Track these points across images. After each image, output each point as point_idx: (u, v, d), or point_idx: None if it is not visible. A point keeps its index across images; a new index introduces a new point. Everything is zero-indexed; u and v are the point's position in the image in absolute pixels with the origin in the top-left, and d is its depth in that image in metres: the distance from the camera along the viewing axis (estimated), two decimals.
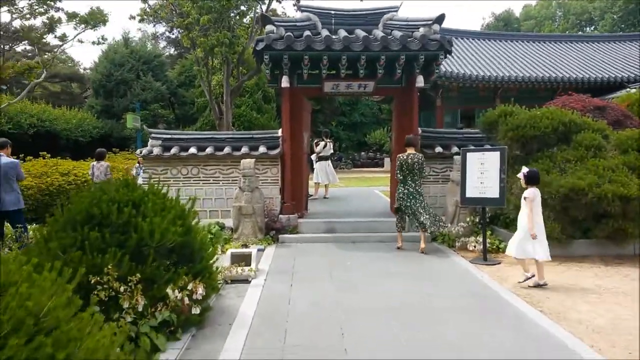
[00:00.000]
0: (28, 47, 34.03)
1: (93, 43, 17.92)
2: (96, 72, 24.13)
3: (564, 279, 6.44)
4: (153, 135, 9.63)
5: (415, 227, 8.37)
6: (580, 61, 24.81)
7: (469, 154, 7.65)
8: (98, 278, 3.95)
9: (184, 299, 4.14)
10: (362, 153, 36.67)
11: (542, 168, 7.74)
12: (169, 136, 9.68)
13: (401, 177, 8.00)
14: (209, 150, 9.39)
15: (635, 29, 40.00)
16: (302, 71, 9.02)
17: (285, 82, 8.97)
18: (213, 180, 9.56)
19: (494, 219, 8.68)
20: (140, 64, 23.43)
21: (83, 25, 14.97)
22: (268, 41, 8.48)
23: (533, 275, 6.14)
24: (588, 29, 45.47)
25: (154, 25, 29.39)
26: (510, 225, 8.28)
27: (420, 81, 9.00)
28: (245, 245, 8.32)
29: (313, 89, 9.69)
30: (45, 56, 34.86)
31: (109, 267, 4.05)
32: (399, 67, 8.93)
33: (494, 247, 7.89)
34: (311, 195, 12.77)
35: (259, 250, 8.02)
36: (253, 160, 8.74)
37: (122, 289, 3.96)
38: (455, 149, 9.46)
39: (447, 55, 8.95)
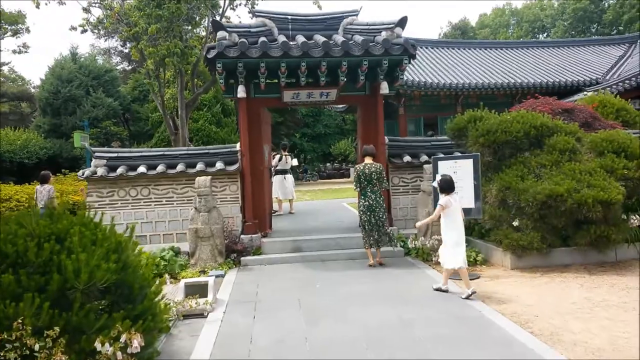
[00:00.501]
0: None
1: (14, 52, 16.59)
2: (42, 90, 22.72)
3: (548, 292, 5.99)
4: (97, 154, 8.75)
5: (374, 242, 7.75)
6: (537, 66, 25.22)
7: (440, 163, 7.18)
8: (5, 335, 3.16)
9: (117, 354, 3.39)
10: (328, 164, 36.28)
11: (516, 174, 7.37)
12: (114, 154, 8.82)
13: (359, 189, 7.58)
14: (160, 168, 8.59)
15: (585, 34, 41.43)
16: (259, 80, 8.39)
17: (241, 93, 8.31)
18: (166, 200, 8.76)
19: (469, 230, 8.21)
20: (89, 80, 22.18)
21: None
22: (220, 48, 7.82)
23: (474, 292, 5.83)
24: (541, 36, 46.87)
25: (105, 40, 28.22)
26: (486, 235, 7.86)
27: (384, 88, 8.53)
28: (204, 272, 7.57)
29: (272, 99, 9.07)
30: None
31: (22, 318, 3.27)
32: (361, 74, 8.43)
33: (471, 259, 7.41)
34: (276, 212, 12.08)
35: (218, 276, 7.28)
36: (209, 177, 8.01)
37: (37, 346, 3.19)
38: (424, 158, 9.02)
39: (412, 60, 8.52)
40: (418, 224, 6.32)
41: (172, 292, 6.24)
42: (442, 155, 8.26)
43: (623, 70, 23.97)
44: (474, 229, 8.18)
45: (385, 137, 8.98)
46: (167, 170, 8.63)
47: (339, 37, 8.39)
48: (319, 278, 7.04)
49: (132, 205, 8.71)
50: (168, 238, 8.74)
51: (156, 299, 4.29)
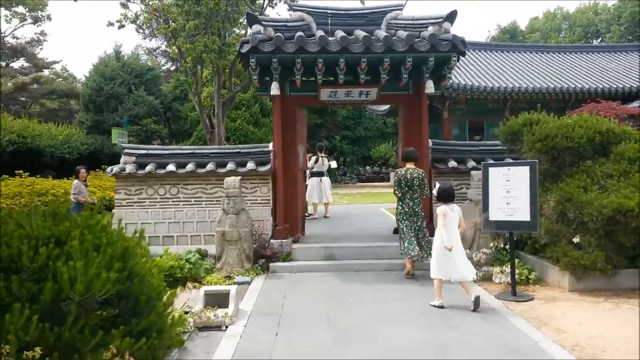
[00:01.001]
0: (25, 64, 33.41)
1: (32, 41, 16.30)
2: (86, 87, 23.13)
3: (615, 321, 5.18)
4: (126, 150, 8.49)
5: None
6: (592, 71, 23.90)
7: (491, 169, 6.45)
8: None
9: None
10: (367, 167, 35.62)
11: (579, 185, 6.55)
12: (144, 151, 8.54)
13: (399, 194, 7.17)
14: (189, 167, 8.23)
15: None
16: (294, 77, 7.90)
17: (275, 89, 7.84)
18: (195, 200, 8.39)
19: (520, 244, 7.45)
20: (132, 78, 22.39)
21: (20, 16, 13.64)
22: (254, 42, 7.38)
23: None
24: (595, 41, 44.56)
25: (150, 40, 28.59)
26: (540, 251, 7.06)
27: (430, 87, 7.86)
28: (229, 277, 7.13)
29: (308, 97, 8.57)
30: (42, 72, 34.27)
31: (6, 332, 2.86)
32: (405, 72, 7.80)
33: (523, 277, 6.66)
34: (310, 215, 11.58)
35: (243, 283, 6.84)
36: (238, 178, 7.58)
37: None
38: (472, 163, 8.28)
39: (461, 57, 7.81)
40: (446, 242, 5.61)
41: (193, 299, 5.83)
42: (492, 162, 7.52)
43: None
44: (526, 242, 7.39)
45: (429, 141, 8.30)
46: (196, 169, 8.26)
47: (381, 32, 7.79)
48: (351, 290, 6.47)
49: (160, 204, 8.39)
50: (195, 240, 8.36)
51: (166, 312, 3.83)
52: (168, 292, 3.98)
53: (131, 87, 22.06)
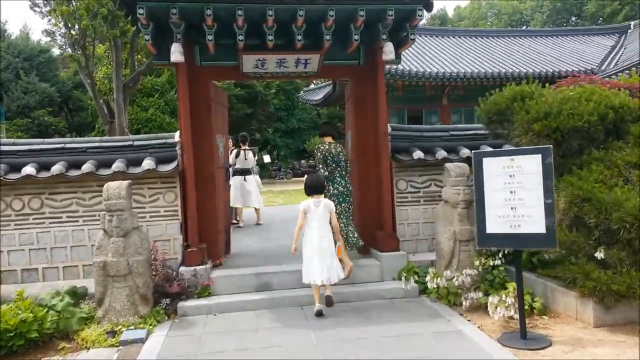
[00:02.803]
0: None
1: None
2: None
3: None
4: None
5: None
6: (527, 56, 23.62)
7: (487, 161, 4.59)
8: None
9: None
10: (302, 161, 33.73)
11: (596, 178, 4.88)
12: None
13: (326, 173, 6.06)
14: (57, 168, 5.73)
15: (565, 26, 40.11)
16: (205, 39, 5.63)
17: (177, 55, 5.52)
18: (67, 217, 5.91)
19: (510, 257, 5.71)
20: (20, 61, 18.73)
21: None
22: None
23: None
24: (521, 28, 45.43)
25: (49, 20, 24.60)
26: (543, 267, 5.35)
27: (389, 51, 5.88)
28: (113, 333, 4.81)
29: (226, 68, 6.31)
30: None
31: None
32: (355, 32, 5.77)
33: (525, 305, 4.90)
34: (235, 223, 9.34)
35: (134, 341, 4.59)
36: (125, 183, 5.22)
37: None
38: (442, 153, 6.44)
39: (428, 11, 5.91)
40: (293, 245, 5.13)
41: None
42: (489, 150, 5.73)
43: (620, 59, 22.37)
44: (520, 255, 5.65)
45: (388, 125, 6.37)
46: (67, 172, 5.78)
47: None
48: (297, 342, 4.41)
49: (15, 224, 5.82)
50: (71, 272, 5.90)
51: None
52: None
53: (19, 72, 18.42)
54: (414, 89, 20.91)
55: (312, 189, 5.34)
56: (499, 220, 4.48)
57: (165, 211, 6.04)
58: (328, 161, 6.07)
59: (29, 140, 6.19)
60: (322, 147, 6.19)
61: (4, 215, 5.84)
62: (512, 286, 4.82)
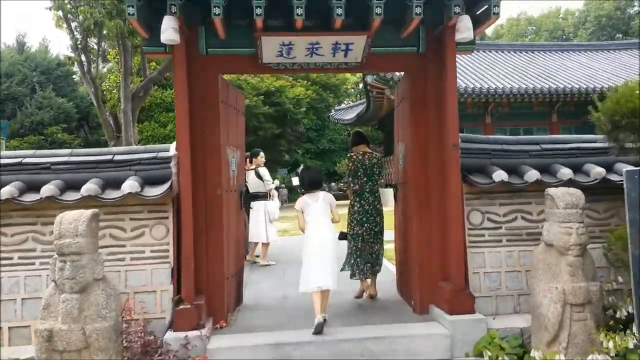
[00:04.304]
0: None
1: None
2: None
3: None
4: None
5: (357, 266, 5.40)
6: (578, 71, 21.60)
7: None
8: None
9: None
10: (332, 184, 32.02)
11: None
12: None
13: (357, 187, 5.47)
14: (7, 190, 4.18)
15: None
16: (211, 15, 4.05)
17: (170, 32, 3.93)
18: (20, 257, 4.33)
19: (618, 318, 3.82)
20: (37, 75, 17.80)
21: None
22: None
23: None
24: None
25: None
26: None
27: (465, 28, 4.15)
28: None
29: (240, 57, 4.69)
30: None
31: None
32: (417, 2, 4.11)
33: None
34: (256, 260, 7.66)
35: None
36: (88, 213, 3.60)
37: None
38: (532, 174, 4.63)
39: None
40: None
41: None
42: None
43: None
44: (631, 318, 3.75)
45: (458, 134, 4.63)
46: (22, 196, 4.23)
47: None
48: None
49: None
50: (20, 336, 4.27)
51: None
52: None
53: (35, 86, 17.47)
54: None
55: (309, 184, 4.81)
56: None
57: (152, 251, 4.39)
58: (359, 174, 5.41)
59: None
60: (354, 157, 5.49)
61: None
62: None
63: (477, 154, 4.87)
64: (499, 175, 4.61)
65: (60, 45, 45.53)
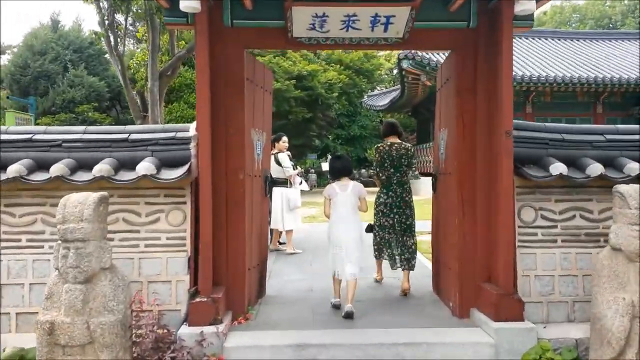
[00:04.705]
0: None
1: None
2: (11, 64, 18.48)
3: None
4: None
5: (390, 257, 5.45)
6: (626, 60, 20.41)
7: None
8: None
9: None
10: (363, 170, 31.52)
11: None
12: None
13: (384, 178, 5.43)
14: (15, 169, 3.89)
15: None
16: None
17: (192, 2, 3.56)
18: (28, 240, 4.06)
19: None
20: (69, 53, 17.79)
21: None
22: None
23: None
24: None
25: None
26: None
27: (525, 1, 3.63)
28: None
29: (268, 30, 4.25)
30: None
31: None
32: None
33: None
34: (279, 248, 7.31)
35: None
36: (94, 196, 3.27)
37: None
38: (596, 168, 4.06)
39: None
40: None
41: None
42: None
43: None
44: None
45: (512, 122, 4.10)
46: (30, 175, 3.94)
47: None
48: None
49: None
50: (28, 322, 4.01)
51: None
52: None
53: (67, 64, 17.47)
54: None
55: (338, 171, 4.74)
56: None
57: (167, 238, 4.05)
58: (386, 164, 5.38)
59: None
60: (381, 148, 5.49)
61: None
62: None
63: (532, 144, 4.31)
64: (557, 167, 4.05)
65: (93, 24, 46.24)
